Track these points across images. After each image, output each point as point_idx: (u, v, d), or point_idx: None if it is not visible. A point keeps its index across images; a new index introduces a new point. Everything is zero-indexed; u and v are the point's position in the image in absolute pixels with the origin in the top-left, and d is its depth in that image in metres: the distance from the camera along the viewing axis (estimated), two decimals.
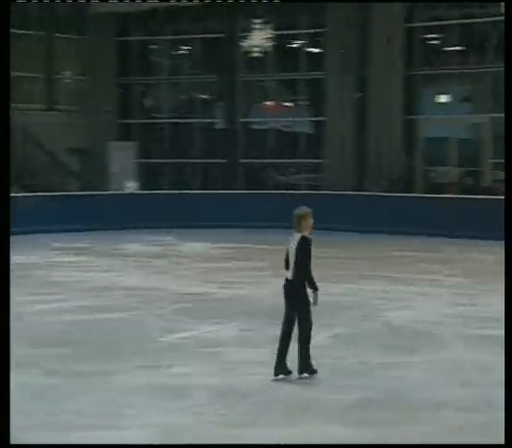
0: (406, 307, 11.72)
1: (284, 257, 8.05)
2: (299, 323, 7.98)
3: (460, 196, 23.15)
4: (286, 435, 6.47)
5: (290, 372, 8.07)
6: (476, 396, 7.50)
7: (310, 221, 7.92)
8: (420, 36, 26.69)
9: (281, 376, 8.02)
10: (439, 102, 26.99)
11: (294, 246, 7.89)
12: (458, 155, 26.30)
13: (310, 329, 7.98)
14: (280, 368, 8.03)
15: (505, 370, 6.25)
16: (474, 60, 26.27)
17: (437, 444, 6.16)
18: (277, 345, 9.33)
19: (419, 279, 14.58)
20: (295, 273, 7.91)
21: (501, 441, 5.92)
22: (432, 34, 27.01)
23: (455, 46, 26.47)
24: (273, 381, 7.97)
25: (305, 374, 8.04)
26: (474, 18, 25.54)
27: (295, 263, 7.89)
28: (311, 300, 7.94)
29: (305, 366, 8.03)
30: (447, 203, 22.73)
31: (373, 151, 26.05)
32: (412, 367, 8.48)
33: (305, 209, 7.96)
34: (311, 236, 7.96)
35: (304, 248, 7.84)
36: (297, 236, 7.92)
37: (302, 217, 7.90)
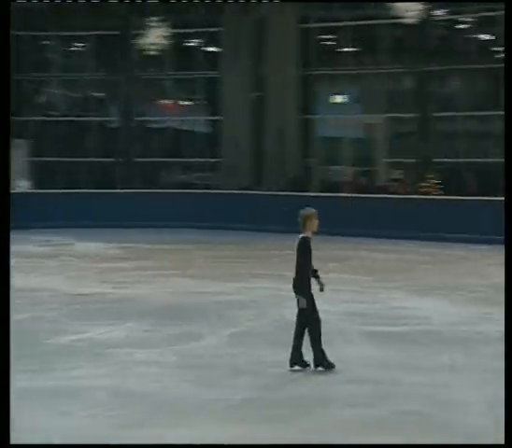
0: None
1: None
2: (307, 321, 8.04)
3: (354, 195, 23.45)
4: (174, 435, 6.38)
5: (307, 365, 8.10)
6: (363, 391, 7.54)
7: (315, 222, 8.05)
8: (316, 37, 26.96)
9: (297, 367, 8.09)
10: (334, 102, 27.30)
11: (296, 247, 8.04)
12: (353, 155, 26.68)
13: (319, 325, 8.03)
14: (295, 359, 8.09)
15: (505, 370, 6.32)
16: (368, 61, 26.69)
17: (437, 444, 6.16)
18: (172, 346, 9.28)
19: None
20: (296, 273, 8.08)
21: (398, 438, 5.98)
22: (327, 34, 27.32)
23: (349, 47, 26.83)
24: (289, 371, 8.06)
25: (321, 368, 8.06)
26: (367, 20, 25.94)
27: (296, 263, 8.06)
28: (306, 302, 8.04)
29: (320, 360, 8.05)
30: (342, 201, 22.99)
31: (269, 150, 26.17)
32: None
33: (310, 210, 8.10)
34: (311, 236, 8.07)
35: (302, 248, 7.95)
36: (299, 236, 8.04)
37: (307, 218, 8.01)
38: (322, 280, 8.18)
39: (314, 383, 7.88)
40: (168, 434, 6.40)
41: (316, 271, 8.13)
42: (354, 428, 6.53)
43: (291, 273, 14.81)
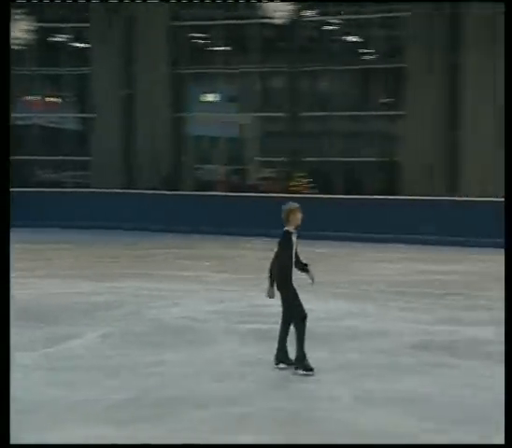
0: (172, 304, 11.62)
1: None
2: (292, 316, 7.97)
3: (227, 194, 23.48)
4: (40, 438, 6.14)
5: (293, 363, 7.99)
6: (236, 389, 7.48)
7: (299, 216, 7.99)
8: (187, 35, 26.85)
9: (282, 366, 8.02)
10: (206, 100, 27.27)
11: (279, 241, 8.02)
12: (225, 153, 26.71)
13: (304, 324, 7.92)
14: (281, 357, 8.05)
15: (505, 368, 6.34)
16: (239, 60, 26.77)
17: (437, 444, 6.10)
18: (39, 348, 8.99)
19: (184, 276, 14.55)
20: (272, 266, 7.97)
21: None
22: (198, 33, 27.25)
23: (221, 45, 26.84)
24: (274, 369, 8.00)
25: (301, 371, 7.90)
26: (238, 19, 26.02)
27: (275, 256, 7.97)
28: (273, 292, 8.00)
29: (299, 363, 7.92)
30: (214, 200, 22.99)
31: (141, 149, 25.89)
32: (175, 363, 8.37)
33: (293, 204, 8.07)
34: (294, 230, 8.01)
35: (284, 242, 7.91)
36: (283, 230, 8.01)
37: (290, 212, 7.98)
38: (310, 274, 8.12)
39: (186, 382, 7.76)
40: (32, 437, 6.17)
41: (306, 265, 8.08)
42: (226, 426, 6.46)
43: (165, 273, 14.78)
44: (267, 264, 16.60)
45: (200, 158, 26.98)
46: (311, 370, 7.88)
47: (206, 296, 12.43)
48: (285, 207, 8.05)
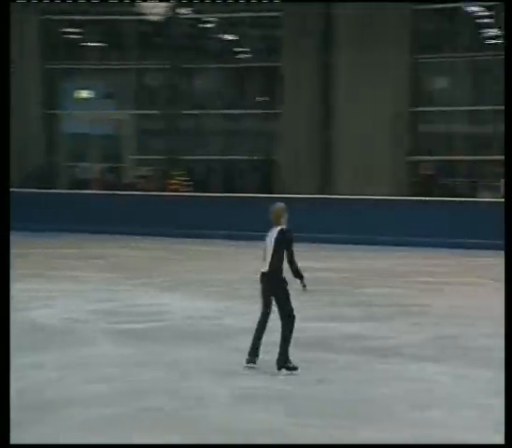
0: (46, 305, 11.30)
1: (262, 252, 8.11)
2: (281, 318, 7.96)
3: (102, 192, 23.14)
4: None
5: (252, 362, 7.98)
6: (110, 390, 7.32)
7: (286, 216, 8.21)
8: (59, 30, 26.31)
9: (252, 365, 8.01)
10: (81, 97, 26.77)
11: (272, 239, 8.03)
12: (100, 151, 26.32)
13: (292, 324, 7.94)
14: (253, 357, 8.02)
15: (505, 368, 6.29)
16: (115, 56, 26.41)
17: (437, 444, 6.05)
18: None
19: (60, 276, 14.21)
20: (271, 265, 7.94)
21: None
22: (72, 28, 26.74)
23: (96, 41, 26.43)
24: (244, 367, 7.93)
25: (285, 371, 7.86)
26: (114, 15, 25.69)
27: (271, 255, 7.97)
28: (299, 287, 8.01)
29: (283, 362, 7.86)
30: (89, 198, 22.62)
31: (12, 146, 25.20)
32: (45, 366, 8.12)
33: (281, 205, 8.28)
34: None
35: (284, 239, 7.98)
36: (276, 229, 8.07)
37: (283, 211, 8.20)
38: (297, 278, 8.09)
39: (58, 385, 7.53)
40: None
41: (299, 271, 8.11)
42: (98, 428, 6.30)
43: (39, 273, 14.35)
44: (138, 263, 16.17)
45: (75, 156, 26.49)
46: (295, 369, 7.91)
47: (83, 296, 12.16)
48: (274, 208, 8.23)
